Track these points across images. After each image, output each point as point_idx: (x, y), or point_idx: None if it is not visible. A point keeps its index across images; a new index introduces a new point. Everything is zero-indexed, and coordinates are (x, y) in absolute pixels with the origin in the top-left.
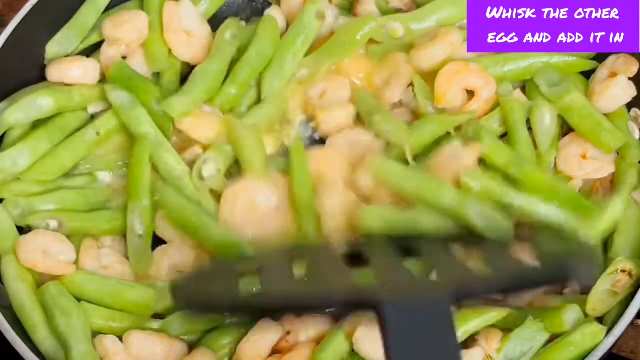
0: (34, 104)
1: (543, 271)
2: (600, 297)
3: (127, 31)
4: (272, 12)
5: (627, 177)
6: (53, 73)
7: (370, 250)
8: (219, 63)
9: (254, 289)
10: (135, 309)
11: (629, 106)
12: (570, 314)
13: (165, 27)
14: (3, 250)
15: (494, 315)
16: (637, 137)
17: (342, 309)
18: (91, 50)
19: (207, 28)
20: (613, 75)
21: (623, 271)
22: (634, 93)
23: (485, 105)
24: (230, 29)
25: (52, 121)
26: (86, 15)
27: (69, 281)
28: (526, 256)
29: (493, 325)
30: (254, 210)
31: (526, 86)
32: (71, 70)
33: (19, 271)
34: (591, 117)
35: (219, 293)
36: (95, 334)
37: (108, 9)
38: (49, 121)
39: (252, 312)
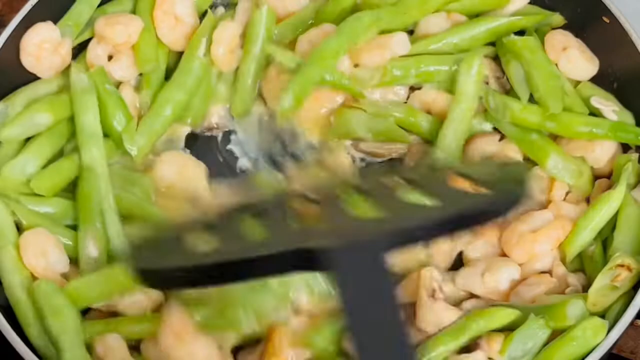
0: (31, 120)
1: (493, 198)
2: (601, 292)
3: (117, 32)
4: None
5: (626, 173)
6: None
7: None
8: (184, 92)
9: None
10: None
11: None
12: (574, 308)
13: (157, 4)
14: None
15: (499, 319)
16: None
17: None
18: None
19: (196, 19)
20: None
21: (622, 266)
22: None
23: None
24: (205, 34)
25: (52, 127)
26: (79, 12)
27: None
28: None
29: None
30: None
31: (497, 45)
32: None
33: (15, 264)
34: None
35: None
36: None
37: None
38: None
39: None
